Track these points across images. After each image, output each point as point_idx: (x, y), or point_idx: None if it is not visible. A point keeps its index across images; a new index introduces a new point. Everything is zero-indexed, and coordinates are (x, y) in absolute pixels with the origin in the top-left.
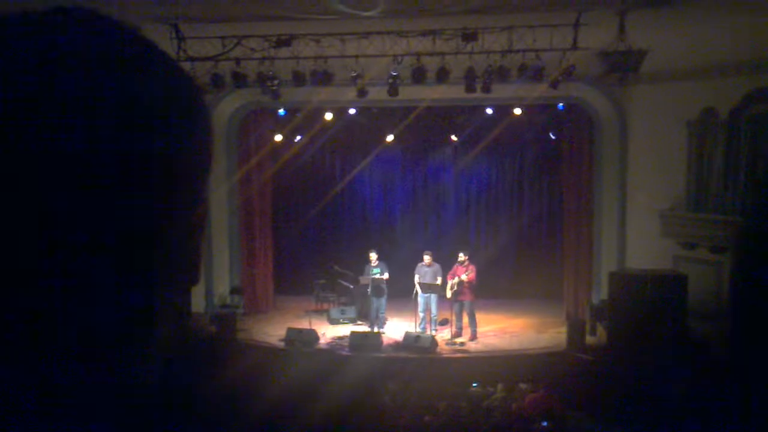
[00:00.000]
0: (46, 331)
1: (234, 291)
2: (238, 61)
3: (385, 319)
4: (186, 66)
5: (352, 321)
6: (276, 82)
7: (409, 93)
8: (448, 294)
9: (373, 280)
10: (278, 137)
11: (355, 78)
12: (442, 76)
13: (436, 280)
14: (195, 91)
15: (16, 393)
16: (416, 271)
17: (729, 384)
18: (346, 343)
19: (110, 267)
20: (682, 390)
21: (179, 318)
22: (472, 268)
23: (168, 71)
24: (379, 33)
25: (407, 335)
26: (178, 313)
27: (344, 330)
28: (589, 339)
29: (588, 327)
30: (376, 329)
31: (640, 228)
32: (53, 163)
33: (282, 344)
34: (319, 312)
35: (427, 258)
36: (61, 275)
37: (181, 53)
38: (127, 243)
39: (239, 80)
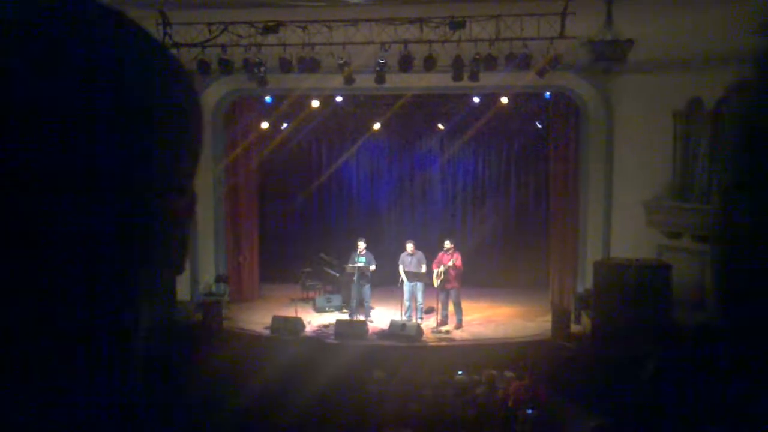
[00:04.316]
0: (27, 322)
1: (219, 279)
2: (224, 47)
3: (371, 308)
4: (172, 52)
5: (338, 309)
6: (263, 68)
7: (397, 81)
8: (435, 283)
9: (359, 268)
10: (265, 125)
11: (342, 65)
12: (430, 64)
13: (421, 267)
14: (187, 80)
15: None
16: (400, 261)
17: (714, 373)
18: (332, 331)
19: (94, 257)
20: (665, 378)
21: (165, 307)
22: (457, 255)
23: (161, 60)
24: (366, 20)
25: (393, 323)
26: (165, 302)
27: (330, 318)
28: (574, 327)
29: (573, 316)
30: (361, 318)
31: (625, 217)
32: (39, 152)
33: (267, 332)
34: (305, 300)
35: (409, 246)
36: (44, 266)
37: (167, 39)
38: (112, 233)
39: (226, 67)
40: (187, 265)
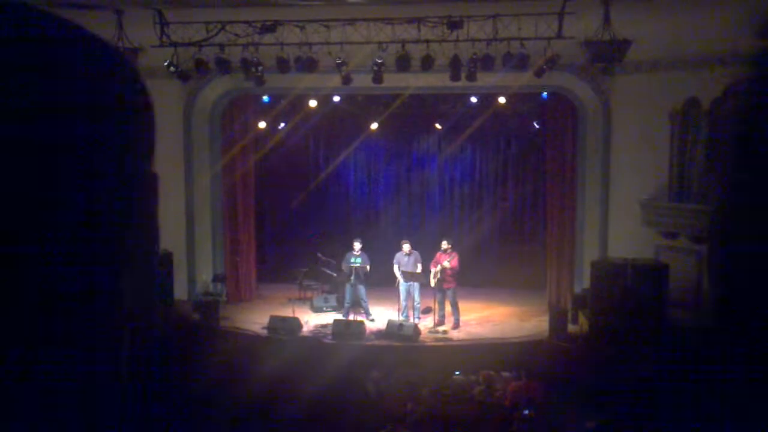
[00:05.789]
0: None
1: (217, 279)
2: (222, 46)
3: (369, 308)
4: (169, 51)
5: (335, 309)
6: (260, 68)
7: (394, 80)
8: (432, 283)
9: (355, 269)
10: (262, 124)
11: (339, 65)
12: (427, 63)
13: (417, 267)
14: (131, 72)
15: None
16: (395, 261)
17: (708, 373)
18: (329, 331)
19: (62, 247)
20: (661, 378)
21: (152, 299)
22: (454, 255)
23: (100, 54)
24: (364, 20)
25: (390, 323)
26: (148, 292)
27: (327, 318)
28: (571, 327)
29: (570, 315)
30: (360, 318)
31: (622, 217)
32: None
33: (265, 332)
34: (303, 300)
35: (406, 247)
36: (18, 261)
37: (165, 38)
38: (65, 226)
39: (223, 66)
40: (185, 265)
